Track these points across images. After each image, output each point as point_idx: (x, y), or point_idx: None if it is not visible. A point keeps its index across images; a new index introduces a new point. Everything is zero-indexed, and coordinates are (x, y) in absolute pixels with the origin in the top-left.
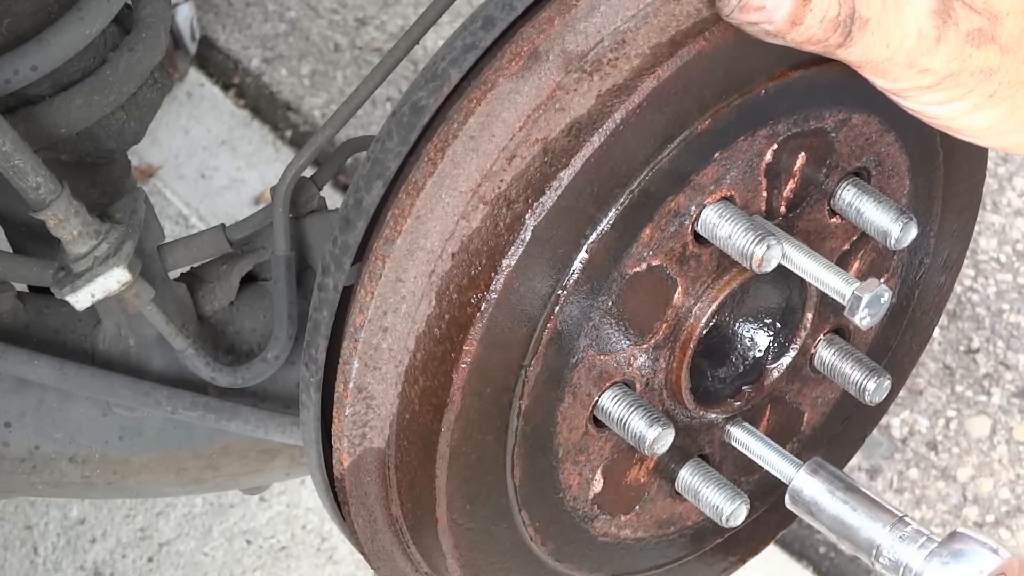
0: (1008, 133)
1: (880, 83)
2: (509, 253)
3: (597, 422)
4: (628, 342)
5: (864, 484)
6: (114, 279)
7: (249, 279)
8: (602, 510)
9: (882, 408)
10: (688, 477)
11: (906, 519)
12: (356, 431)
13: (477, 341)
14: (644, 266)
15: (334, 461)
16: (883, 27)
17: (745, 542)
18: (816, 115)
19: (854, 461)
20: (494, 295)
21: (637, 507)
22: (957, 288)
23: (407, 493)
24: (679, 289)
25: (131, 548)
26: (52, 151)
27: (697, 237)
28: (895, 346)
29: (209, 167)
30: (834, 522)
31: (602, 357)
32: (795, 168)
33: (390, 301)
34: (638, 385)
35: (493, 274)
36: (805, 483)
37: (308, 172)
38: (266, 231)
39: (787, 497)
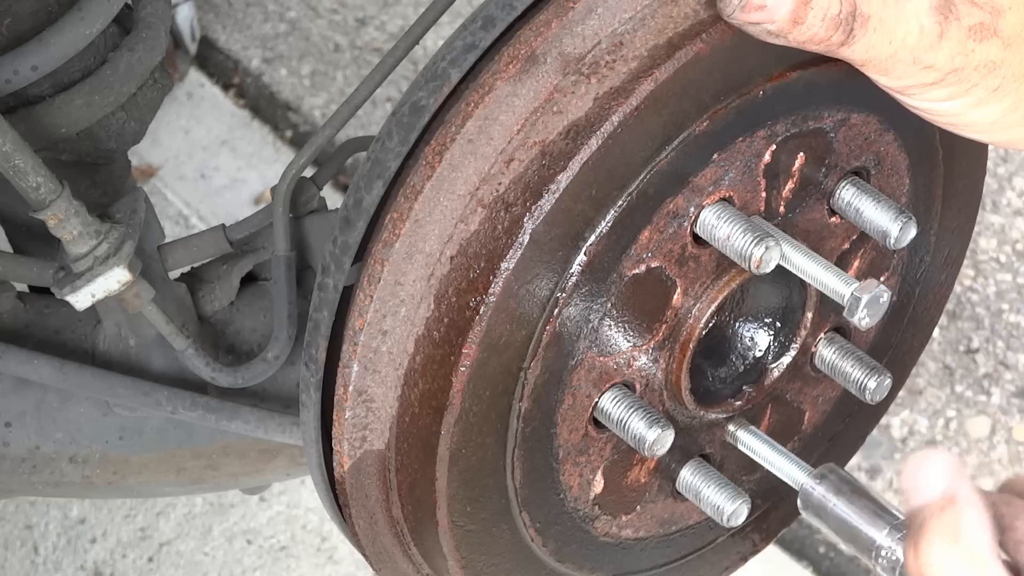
0: (1012, 128)
1: (883, 81)
2: (507, 256)
3: (597, 423)
4: (628, 343)
5: (864, 484)
6: (114, 279)
7: (249, 279)
8: (603, 511)
9: (883, 406)
10: (689, 477)
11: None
12: (356, 434)
13: (476, 344)
14: (643, 267)
15: (334, 464)
16: (885, 24)
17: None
18: (815, 115)
19: (854, 461)
20: (493, 298)
21: (638, 507)
22: (957, 288)
23: (408, 495)
24: (678, 290)
25: (131, 548)
26: (52, 151)
27: (696, 238)
28: (896, 344)
29: (209, 167)
30: (843, 528)
31: (602, 359)
32: (794, 168)
33: (389, 304)
34: (638, 386)
35: (491, 277)
36: (815, 487)
37: (308, 172)
38: (266, 231)
39: (799, 501)
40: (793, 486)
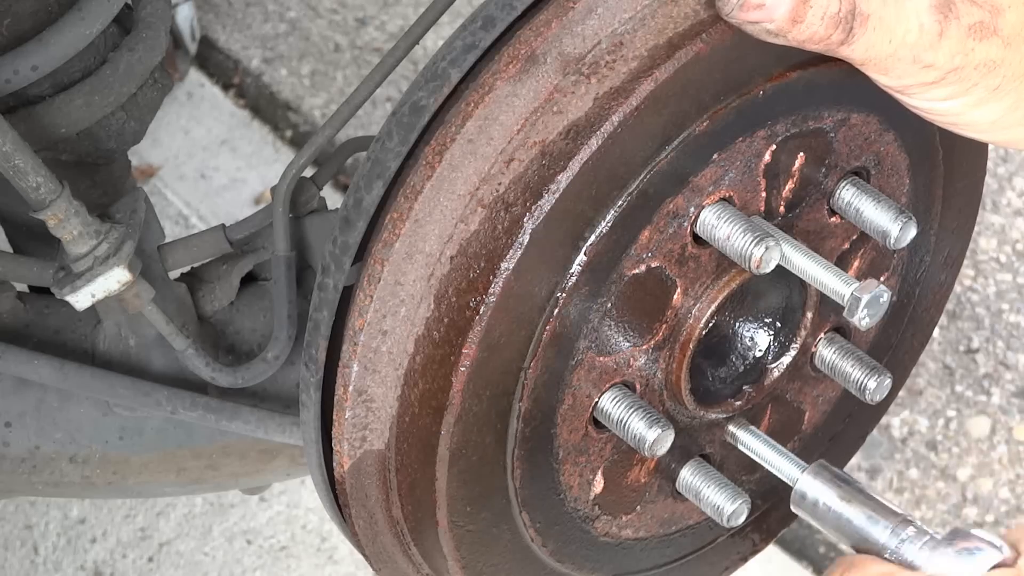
0: (1012, 127)
1: (884, 81)
2: (507, 256)
3: (597, 423)
4: (628, 343)
5: (865, 484)
6: (114, 279)
7: (249, 279)
8: (603, 511)
9: (883, 406)
10: (689, 477)
11: (909, 518)
12: (356, 434)
13: (476, 344)
14: (643, 267)
15: (334, 464)
16: (884, 23)
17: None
18: (815, 115)
19: (854, 461)
20: (492, 298)
21: (638, 507)
22: (957, 288)
23: (408, 495)
24: (678, 290)
25: (131, 548)
26: (52, 151)
27: (696, 238)
28: (896, 344)
29: (209, 167)
30: (838, 524)
31: (602, 358)
32: (794, 168)
33: (389, 304)
34: (638, 386)
35: (491, 277)
36: (809, 486)
37: (308, 172)
38: (266, 231)
39: (792, 500)
40: (792, 486)
